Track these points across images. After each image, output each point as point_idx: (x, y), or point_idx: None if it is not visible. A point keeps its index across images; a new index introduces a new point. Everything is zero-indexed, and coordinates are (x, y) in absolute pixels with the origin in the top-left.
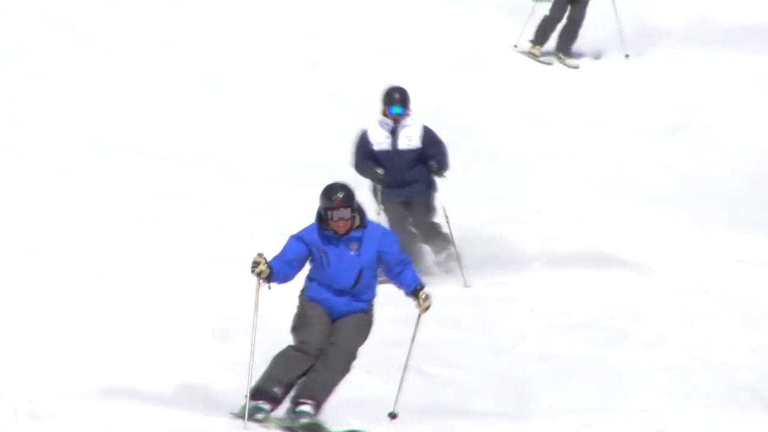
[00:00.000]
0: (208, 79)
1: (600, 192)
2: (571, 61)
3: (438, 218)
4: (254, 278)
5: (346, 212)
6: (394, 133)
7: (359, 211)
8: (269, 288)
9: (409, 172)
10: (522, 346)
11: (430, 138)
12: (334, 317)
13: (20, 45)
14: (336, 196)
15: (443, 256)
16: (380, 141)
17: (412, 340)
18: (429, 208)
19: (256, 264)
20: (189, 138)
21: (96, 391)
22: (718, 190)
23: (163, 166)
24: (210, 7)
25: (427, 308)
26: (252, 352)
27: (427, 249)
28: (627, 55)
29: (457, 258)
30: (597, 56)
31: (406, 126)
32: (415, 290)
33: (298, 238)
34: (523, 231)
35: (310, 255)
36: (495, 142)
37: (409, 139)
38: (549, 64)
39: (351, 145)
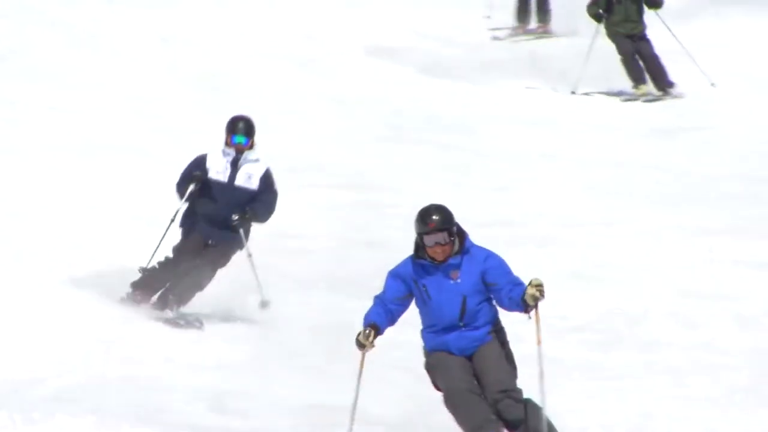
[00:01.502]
0: (207, 81)
1: (597, 194)
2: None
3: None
4: (359, 349)
5: (442, 236)
6: (234, 165)
7: (459, 234)
8: (373, 346)
9: (230, 213)
10: (519, 349)
11: (268, 183)
12: (462, 355)
13: (18, 46)
14: (431, 219)
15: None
16: (218, 170)
17: (537, 331)
18: (225, 258)
19: (361, 345)
20: (186, 139)
21: (94, 395)
22: (715, 192)
23: (161, 167)
24: (207, 9)
25: (538, 292)
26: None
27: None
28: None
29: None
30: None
31: (249, 161)
32: (523, 294)
33: (394, 276)
34: (520, 233)
35: (410, 292)
36: (492, 145)
37: (249, 177)
38: (660, 98)
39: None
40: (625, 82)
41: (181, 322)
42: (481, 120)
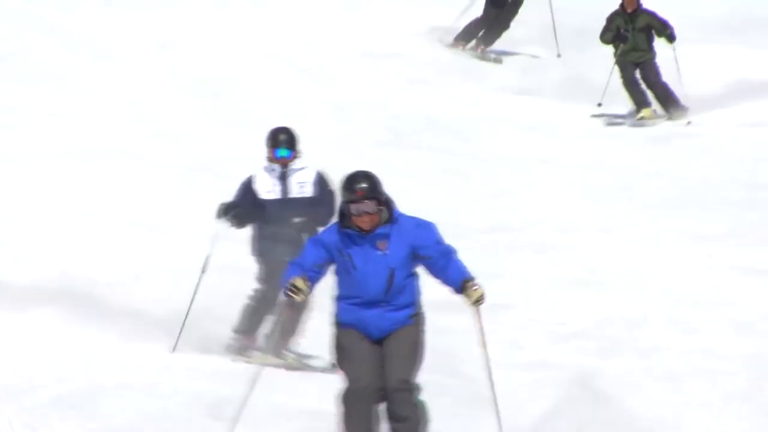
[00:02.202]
0: (204, 86)
1: (595, 199)
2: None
3: None
4: (286, 298)
5: (370, 205)
6: (283, 179)
7: (387, 203)
8: (310, 293)
9: (297, 225)
10: (517, 354)
11: (322, 185)
12: (376, 337)
13: (16, 51)
14: (358, 186)
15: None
16: (268, 189)
17: (483, 344)
18: None
19: (297, 289)
20: (185, 145)
21: (92, 401)
22: (714, 198)
23: (159, 173)
24: (206, 14)
25: (479, 300)
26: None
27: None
28: None
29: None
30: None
31: (296, 171)
32: (462, 284)
33: (316, 242)
34: (519, 239)
35: (332, 260)
36: (491, 150)
37: (302, 185)
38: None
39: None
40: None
41: (307, 365)
42: (480, 125)
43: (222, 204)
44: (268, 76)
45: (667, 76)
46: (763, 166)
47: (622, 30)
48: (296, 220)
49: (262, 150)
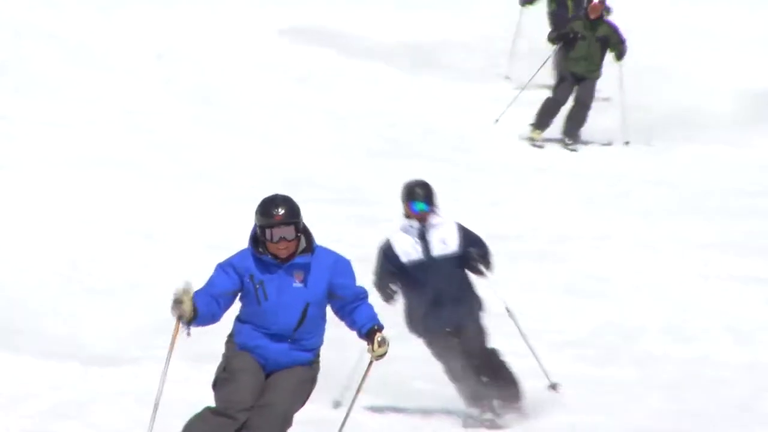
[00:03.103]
0: (201, 95)
1: (593, 208)
2: (577, 146)
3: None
4: (173, 319)
5: (289, 231)
6: (423, 237)
7: (305, 232)
8: (188, 334)
9: (451, 287)
10: (515, 363)
11: (467, 237)
12: (269, 370)
13: (13, 60)
14: (276, 211)
15: (507, 394)
16: (408, 251)
17: (358, 390)
18: (482, 331)
19: (178, 302)
20: (181, 154)
21: (90, 409)
22: (711, 205)
23: (155, 181)
24: (202, 23)
25: (382, 356)
26: (153, 418)
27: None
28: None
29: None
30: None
31: (436, 226)
32: (370, 331)
33: (226, 267)
34: (515, 248)
35: (241, 288)
36: (487, 158)
37: (444, 242)
38: (541, 147)
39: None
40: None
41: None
42: (477, 133)
43: (374, 283)
44: (265, 85)
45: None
46: (760, 174)
47: (579, 35)
48: (444, 280)
49: (259, 157)
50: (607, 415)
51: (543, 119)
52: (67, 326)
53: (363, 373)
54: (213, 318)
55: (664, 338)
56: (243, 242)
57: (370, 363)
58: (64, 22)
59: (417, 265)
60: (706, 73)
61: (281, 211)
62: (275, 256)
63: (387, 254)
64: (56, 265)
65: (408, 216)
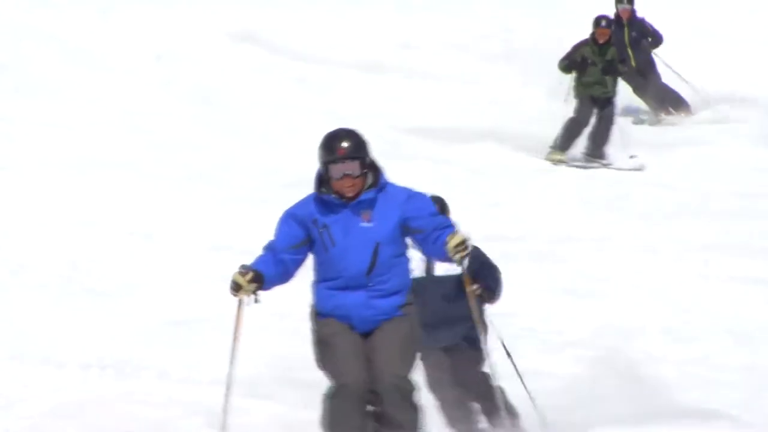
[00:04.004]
0: (200, 96)
1: (593, 209)
2: (604, 161)
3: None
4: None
5: (353, 166)
6: None
7: (372, 167)
8: (256, 302)
9: (450, 306)
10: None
11: (477, 260)
12: (361, 329)
13: (12, 61)
14: (339, 145)
15: (494, 418)
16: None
17: (477, 320)
18: (477, 355)
19: (237, 286)
20: (181, 155)
21: (88, 406)
22: (710, 207)
23: (154, 182)
24: (201, 24)
25: (461, 245)
26: (227, 394)
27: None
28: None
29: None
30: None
31: None
32: (447, 238)
33: (289, 218)
34: (515, 249)
35: (308, 237)
36: (487, 160)
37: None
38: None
39: None
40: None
41: None
42: (476, 134)
43: None
44: (264, 86)
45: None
46: (760, 175)
47: (589, 61)
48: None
49: (259, 157)
50: (606, 415)
51: (565, 141)
52: (66, 327)
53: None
54: (284, 277)
55: (664, 339)
56: (243, 242)
57: (457, 261)
58: (64, 23)
59: (416, 283)
60: (706, 73)
61: (345, 145)
62: (340, 195)
63: None
64: (56, 265)
65: None
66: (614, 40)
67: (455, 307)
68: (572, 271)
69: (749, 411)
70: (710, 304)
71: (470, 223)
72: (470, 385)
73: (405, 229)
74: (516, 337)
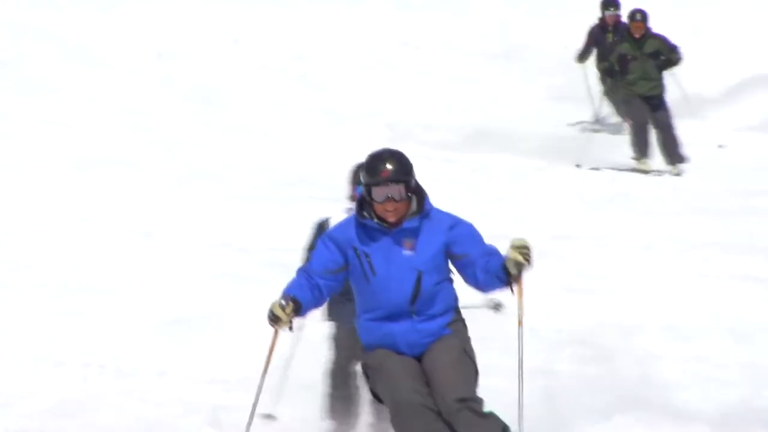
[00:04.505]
0: (200, 94)
1: (592, 207)
2: (683, 167)
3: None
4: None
5: (397, 190)
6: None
7: (418, 191)
8: (290, 329)
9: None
10: (514, 361)
11: None
12: (408, 354)
13: (12, 59)
14: (384, 167)
15: None
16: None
17: (519, 321)
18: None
19: (276, 318)
20: (180, 153)
21: (87, 405)
22: (709, 205)
23: (155, 180)
24: (201, 23)
25: (523, 249)
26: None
27: None
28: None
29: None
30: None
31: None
32: (504, 260)
33: (327, 241)
34: None
35: (347, 263)
36: (487, 159)
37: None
38: (658, 173)
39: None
40: None
41: None
42: (476, 133)
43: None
44: (263, 84)
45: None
46: (760, 174)
47: (628, 57)
48: None
49: (259, 156)
50: (606, 413)
51: (641, 147)
52: (66, 325)
53: (517, 299)
54: (319, 302)
55: (664, 337)
56: (242, 239)
57: (519, 276)
58: (64, 21)
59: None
60: (705, 73)
61: (390, 167)
62: (382, 221)
63: (317, 232)
64: (55, 263)
65: (353, 199)
66: (599, 50)
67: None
68: (572, 268)
69: (749, 409)
70: (710, 302)
71: (470, 220)
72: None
73: (448, 254)
74: (515, 335)
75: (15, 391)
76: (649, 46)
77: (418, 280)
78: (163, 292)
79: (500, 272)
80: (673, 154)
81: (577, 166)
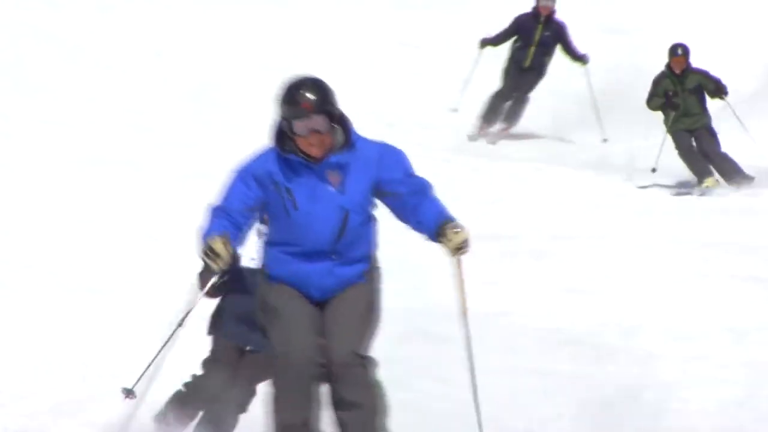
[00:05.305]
0: (199, 94)
1: (592, 207)
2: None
3: None
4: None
5: (321, 122)
6: None
7: (342, 121)
8: (222, 277)
9: None
10: (512, 361)
11: None
12: (317, 298)
13: (11, 59)
14: (305, 97)
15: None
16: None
17: (463, 313)
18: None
19: (216, 254)
20: (181, 152)
21: (87, 405)
22: (709, 204)
23: (155, 181)
24: (200, 22)
25: (462, 245)
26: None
27: None
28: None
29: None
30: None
31: None
32: (439, 228)
33: (245, 176)
34: (513, 246)
35: (266, 199)
36: (487, 159)
37: None
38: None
39: None
40: None
41: None
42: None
43: None
44: (263, 83)
45: (731, 132)
46: (759, 173)
47: (670, 93)
48: None
49: None
50: (604, 413)
51: (696, 167)
52: (66, 325)
53: (459, 280)
54: (240, 244)
55: (664, 337)
56: None
57: (458, 263)
58: (63, 21)
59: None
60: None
61: (311, 97)
62: (306, 155)
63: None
64: (55, 263)
65: None
66: (523, 34)
67: None
68: (571, 268)
69: (747, 408)
70: (710, 302)
71: (469, 220)
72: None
73: (377, 192)
74: (513, 335)
75: (14, 391)
76: (691, 81)
77: (345, 219)
78: (164, 293)
79: (432, 234)
80: (733, 175)
81: (653, 170)
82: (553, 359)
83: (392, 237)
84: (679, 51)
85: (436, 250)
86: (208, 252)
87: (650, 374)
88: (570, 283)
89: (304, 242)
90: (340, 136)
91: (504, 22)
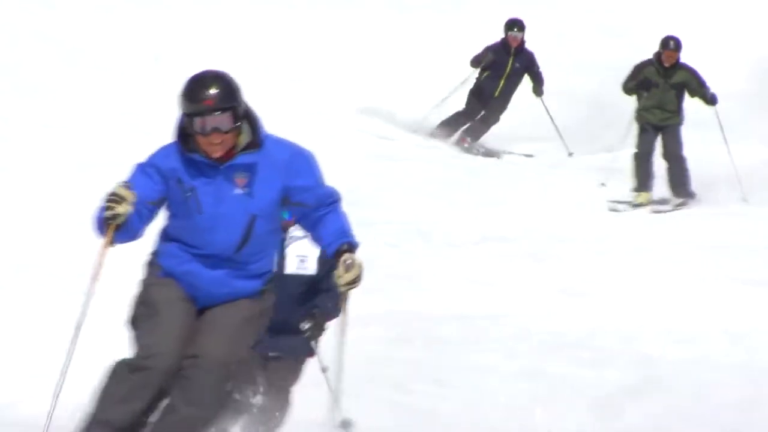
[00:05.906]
0: None
1: (590, 210)
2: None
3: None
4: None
5: (224, 120)
6: (280, 249)
7: (249, 118)
8: (112, 244)
9: (295, 313)
10: (512, 364)
11: (327, 264)
12: (202, 304)
13: (10, 62)
14: (205, 94)
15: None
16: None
17: (341, 344)
18: (297, 372)
19: (119, 200)
20: None
21: (87, 406)
22: (707, 207)
23: None
24: (199, 25)
25: (352, 283)
26: (68, 361)
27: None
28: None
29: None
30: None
31: (296, 239)
32: (336, 253)
33: (148, 167)
34: (512, 249)
35: (167, 194)
36: (485, 162)
37: (302, 260)
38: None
39: None
40: None
41: None
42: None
43: None
44: (261, 86)
45: (713, 146)
46: (758, 176)
47: (652, 81)
48: (288, 303)
49: None
50: (604, 416)
51: (643, 179)
52: (66, 326)
53: (342, 310)
54: (135, 233)
55: (662, 340)
56: None
57: (341, 294)
58: (62, 23)
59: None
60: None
61: (213, 93)
62: (207, 154)
63: None
64: (54, 266)
65: None
66: (494, 66)
67: (298, 314)
68: (570, 271)
69: (746, 411)
70: (708, 304)
71: (468, 223)
72: (270, 394)
73: (285, 200)
74: (513, 338)
75: (14, 392)
76: (677, 77)
77: (251, 225)
78: None
79: (330, 254)
80: (680, 187)
81: (602, 185)
82: (551, 362)
83: (392, 241)
84: (672, 44)
85: (434, 255)
86: (113, 197)
87: (649, 376)
88: (568, 285)
89: (204, 246)
90: (247, 135)
91: (502, 22)
